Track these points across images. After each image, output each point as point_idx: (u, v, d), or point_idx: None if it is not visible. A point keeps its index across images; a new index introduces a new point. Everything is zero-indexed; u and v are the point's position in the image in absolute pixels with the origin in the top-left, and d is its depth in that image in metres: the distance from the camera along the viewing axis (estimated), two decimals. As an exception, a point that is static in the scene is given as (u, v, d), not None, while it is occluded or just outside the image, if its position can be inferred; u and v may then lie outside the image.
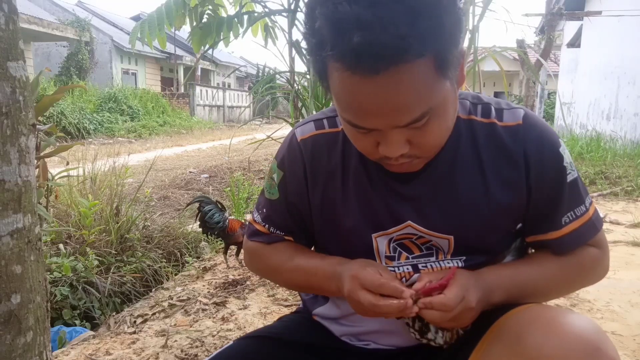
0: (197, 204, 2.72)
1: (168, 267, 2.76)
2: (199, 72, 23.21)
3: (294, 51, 2.33)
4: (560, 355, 0.66)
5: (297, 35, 2.29)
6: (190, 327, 1.94)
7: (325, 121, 0.89)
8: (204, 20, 2.28)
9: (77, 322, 2.16)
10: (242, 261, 2.75)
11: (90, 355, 1.71)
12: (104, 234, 2.68)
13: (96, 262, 2.40)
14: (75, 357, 1.71)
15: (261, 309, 2.11)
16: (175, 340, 1.81)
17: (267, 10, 2.32)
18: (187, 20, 2.28)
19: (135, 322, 2.01)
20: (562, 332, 0.68)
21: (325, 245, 0.94)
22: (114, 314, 2.17)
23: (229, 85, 27.58)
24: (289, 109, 2.50)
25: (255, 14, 2.33)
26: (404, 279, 0.85)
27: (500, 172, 0.79)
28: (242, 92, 25.60)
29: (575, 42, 12.38)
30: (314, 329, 0.97)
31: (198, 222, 2.71)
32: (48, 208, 2.10)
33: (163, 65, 23.41)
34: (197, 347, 1.77)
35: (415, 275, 0.84)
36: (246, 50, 78.10)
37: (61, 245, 2.52)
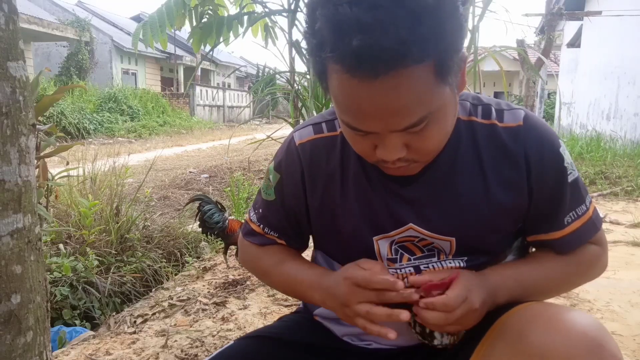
0: (196, 203, 2.72)
1: (168, 267, 2.76)
2: (198, 72, 23.21)
3: (294, 51, 2.33)
4: (563, 352, 0.66)
5: (297, 35, 2.29)
6: (190, 327, 1.94)
7: (323, 125, 0.88)
8: (204, 20, 2.28)
9: (77, 322, 2.16)
10: (242, 261, 2.75)
11: (90, 355, 1.71)
12: (104, 234, 2.68)
13: (96, 262, 2.40)
14: (75, 357, 1.71)
15: (261, 309, 2.11)
16: (175, 340, 1.82)
17: (267, 10, 2.32)
18: (187, 20, 2.28)
19: (135, 322, 2.01)
20: (564, 329, 0.68)
21: (326, 248, 0.94)
22: (114, 314, 2.17)
23: (229, 85, 27.59)
24: (289, 109, 2.50)
25: (255, 14, 2.33)
26: (405, 280, 0.86)
27: (501, 173, 0.79)
28: (242, 92, 25.61)
29: (575, 42, 12.38)
30: (315, 329, 0.97)
31: (198, 222, 2.71)
32: (48, 208, 2.10)
33: (163, 65, 23.41)
34: (197, 347, 1.77)
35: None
36: (246, 50, 78.17)
37: (61, 245, 2.52)
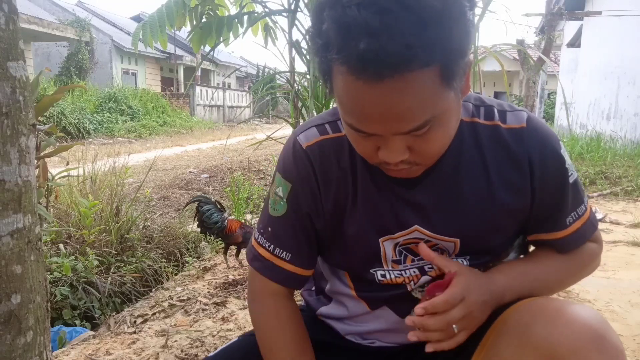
0: (196, 204, 2.72)
1: (168, 267, 2.76)
2: (199, 72, 23.20)
3: (294, 51, 2.33)
4: (568, 343, 0.67)
5: (297, 35, 2.29)
6: (190, 327, 1.94)
7: (327, 126, 0.86)
8: (204, 20, 2.27)
9: (77, 322, 2.16)
10: (242, 261, 2.75)
11: (90, 355, 1.71)
12: (104, 234, 2.68)
13: (96, 262, 2.40)
14: (75, 357, 1.71)
15: (261, 309, 2.11)
16: (175, 340, 1.82)
17: (267, 10, 2.32)
18: (187, 20, 2.28)
19: (135, 322, 2.01)
20: (568, 322, 0.70)
21: (330, 254, 0.93)
22: (114, 314, 2.17)
23: (229, 85, 27.59)
24: (289, 109, 2.50)
25: (255, 14, 2.33)
26: (412, 282, 0.86)
27: (505, 174, 0.80)
28: (242, 92, 25.61)
29: (575, 42, 12.38)
30: (318, 327, 0.98)
31: (197, 222, 2.71)
32: (48, 208, 2.09)
33: (163, 65, 23.42)
34: (197, 347, 1.77)
35: (423, 278, 0.85)
36: (246, 50, 78.16)
37: (61, 245, 2.52)
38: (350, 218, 0.85)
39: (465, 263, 0.84)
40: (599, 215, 3.88)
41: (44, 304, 0.83)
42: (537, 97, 9.82)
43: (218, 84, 26.22)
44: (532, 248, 0.93)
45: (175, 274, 2.68)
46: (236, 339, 0.99)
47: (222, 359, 0.93)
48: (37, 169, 1.71)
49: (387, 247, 0.84)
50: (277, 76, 2.70)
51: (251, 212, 3.99)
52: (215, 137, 13.94)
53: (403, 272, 0.85)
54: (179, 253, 2.99)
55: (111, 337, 1.86)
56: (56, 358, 1.69)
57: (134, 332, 1.90)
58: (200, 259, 2.97)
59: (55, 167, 2.34)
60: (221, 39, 2.25)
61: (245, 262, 2.75)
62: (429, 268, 0.85)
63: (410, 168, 0.73)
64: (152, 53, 20.13)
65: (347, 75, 0.62)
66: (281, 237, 0.88)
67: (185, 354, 1.71)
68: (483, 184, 0.80)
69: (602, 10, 9.13)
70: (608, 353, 0.67)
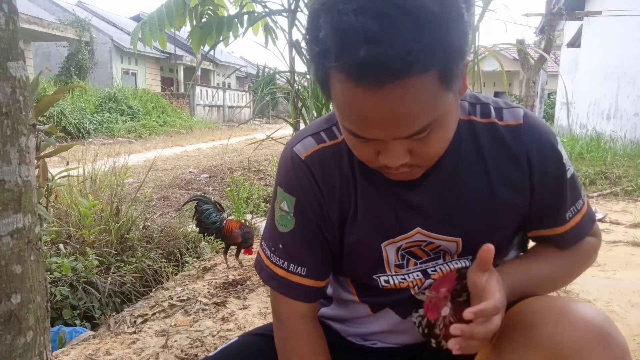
0: (195, 203, 2.72)
1: (168, 267, 2.76)
2: (198, 72, 23.19)
3: (294, 51, 2.33)
4: (573, 341, 0.68)
5: (297, 35, 2.29)
6: (190, 327, 1.94)
7: (323, 134, 0.85)
8: (204, 20, 2.27)
9: (77, 322, 2.16)
10: (242, 261, 2.75)
11: (90, 355, 1.71)
12: (104, 234, 2.68)
13: (96, 262, 2.40)
14: (75, 357, 1.71)
15: (261, 309, 2.11)
16: (175, 340, 1.82)
17: (267, 10, 2.32)
18: (187, 20, 2.28)
19: (135, 322, 2.01)
20: (573, 320, 0.70)
21: (333, 261, 0.92)
22: (114, 314, 2.17)
23: (229, 85, 27.58)
24: (289, 109, 2.49)
25: (255, 14, 2.33)
26: (416, 287, 0.85)
27: (504, 172, 0.80)
28: (242, 92, 25.60)
29: (575, 42, 12.37)
30: None
31: (195, 222, 2.71)
32: (48, 208, 2.09)
33: (163, 65, 23.41)
34: (197, 347, 1.77)
35: (428, 281, 0.85)
36: (246, 50, 78.15)
37: (61, 245, 2.52)
38: (352, 225, 0.84)
39: (467, 264, 0.84)
40: (599, 215, 3.88)
41: (44, 304, 0.83)
42: (537, 97, 9.81)
43: (218, 84, 26.21)
44: (531, 244, 0.94)
45: (175, 274, 2.68)
46: (236, 338, 0.99)
47: (221, 359, 0.93)
48: (37, 169, 1.71)
49: (389, 251, 0.84)
50: (277, 76, 2.70)
51: (251, 212, 3.99)
52: (215, 137, 13.94)
53: (406, 277, 0.85)
54: (179, 253, 2.99)
55: (111, 337, 1.86)
56: (56, 358, 1.69)
57: (134, 332, 1.90)
58: (200, 259, 2.97)
59: (55, 167, 2.34)
60: (221, 39, 2.25)
61: (245, 262, 2.75)
62: (432, 271, 0.84)
63: (411, 171, 0.73)
64: (152, 53, 20.12)
65: (346, 83, 0.61)
66: (294, 252, 0.85)
67: (185, 354, 1.71)
68: (482, 182, 0.80)
69: (602, 10, 9.13)
70: (613, 351, 0.67)
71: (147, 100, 16.53)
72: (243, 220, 3.19)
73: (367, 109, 0.62)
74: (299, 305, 0.87)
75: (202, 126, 17.75)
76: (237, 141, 11.34)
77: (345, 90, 0.62)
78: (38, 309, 0.81)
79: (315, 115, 2.28)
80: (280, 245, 0.86)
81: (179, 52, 22.04)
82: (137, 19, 23.42)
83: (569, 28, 12.84)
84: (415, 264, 0.85)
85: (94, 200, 2.70)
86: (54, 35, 15.07)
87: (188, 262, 2.84)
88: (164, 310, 2.11)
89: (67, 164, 2.14)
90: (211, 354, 0.94)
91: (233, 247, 2.72)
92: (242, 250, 2.72)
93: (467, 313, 0.68)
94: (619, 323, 1.97)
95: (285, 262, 0.86)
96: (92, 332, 2.00)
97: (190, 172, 6.78)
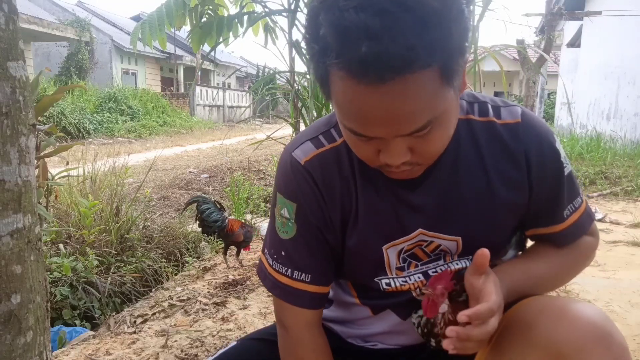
0: (195, 205, 2.72)
1: (168, 267, 2.76)
2: (198, 73, 23.19)
3: (294, 51, 2.33)
4: (573, 341, 0.68)
5: (297, 35, 2.28)
6: (190, 327, 1.94)
7: (321, 137, 0.84)
8: (204, 19, 2.27)
9: (77, 322, 2.16)
10: (242, 261, 2.75)
11: (90, 355, 1.71)
12: (104, 234, 2.68)
13: (96, 262, 2.40)
14: (75, 357, 1.71)
15: (261, 309, 2.11)
16: (175, 340, 1.81)
17: (267, 10, 2.32)
18: (187, 20, 2.28)
19: (135, 322, 2.01)
20: (573, 319, 0.70)
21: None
22: (114, 314, 2.17)
23: (229, 85, 27.58)
24: (289, 109, 2.49)
25: (255, 14, 2.33)
26: (417, 289, 0.85)
27: (502, 170, 0.80)
28: (242, 92, 25.60)
29: (575, 42, 12.37)
30: None
31: (197, 222, 2.71)
32: (48, 208, 2.09)
33: (163, 65, 23.41)
34: (197, 347, 1.77)
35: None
36: (246, 50, 78.11)
37: (61, 245, 2.52)
38: (353, 228, 0.83)
39: (467, 264, 0.84)
40: (599, 215, 3.88)
41: (44, 304, 0.83)
42: (537, 97, 9.81)
43: (218, 84, 26.20)
44: (529, 243, 0.93)
45: (175, 274, 2.68)
46: (234, 343, 0.98)
47: None
48: (37, 169, 1.71)
49: (390, 254, 0.84)
50: (277, 76, 2.69)
51: (251, 212, 3.99)
52: (215, 137, 13.93)
53: (408, 279, 0.85)
54: (179, 253, 2.99)
55: (111, 337, 1.86)
56: (56, 358, 1.69)
57: (134, 332, 1.90)
58: (200, 259, 2.97)
59: (55, 167, 2.34)
60: (221, 39, 2.25)
61: (245, 262, 2.75)
62: (432, 272, 0.84)
63: (412, 169, 0.73)
64: (152, 53, 20.12)
65: (347, 80, 0.61)
66: (297, 259, 0.84)
67: (185, 354, 1.71)
68: (481, 181, 0.80)
69: (602, 10, 9.13)
70: (613, 350, 0.67)
71: (147, 100, 16.52)
72: (243, 220, 3.19)
73: (368, 107, 0.62)
74: (305, 313, 0.86)
75: (202, 126, 17.75)
76: (237, 141, 11.35)
77: (346, 88, 0.62)
78: (38, 309, 0.81)
79: (315, 115, 2.28)
80: (283, 253, 0.85)
81: (179, 52, 22.04)
82: (137, 19, 23.41)
83: (569, 28, 12.84)
84: (416, 266, 0.85)
85: (94, 200, 2.70)
86: (54, 35, 15.06)
87: (188, 262, 2.84)
88: (164, 310, 2.11)
89: (67, 163, 2.14)
90: (210, 358, 0.94)
91: (233, 247, 2.73)
92: (242, 250, 2.73)
93: (461, 316, 0.69)
94: (619, 323, 1.97)
95: (289, 270, 0.85)
96: (92, 332, 2.00)
97: (190, 172, 6.78)
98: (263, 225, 3.38)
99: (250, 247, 2.75)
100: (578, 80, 11.35)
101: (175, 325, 1.95)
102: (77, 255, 2.44)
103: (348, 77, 0.60)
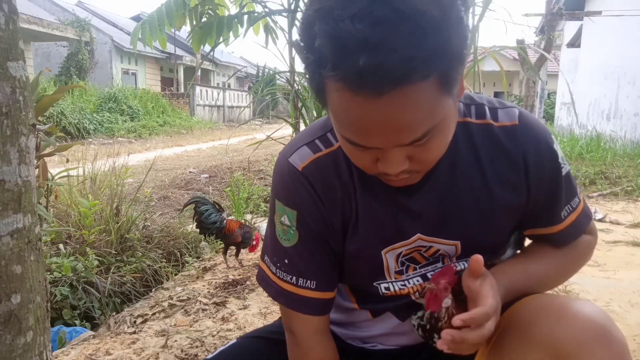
0: (194, 205, 2.72)
1: (168, 267, 2.76)
2: (199, 73, 23.19)
3: (294, 51, 2.33)
4: (573, 340, 0.68)
5: (297, 35, 2.28)
6: (190, 327, 1.94)
7: (318, 142, 0.82)
8: (204, 19, 2.27)
9: (77, 322, 2.16)
10: (242, 261, 2.75)
11: (90, 355, 1.71)
12: (104, 234, 2.67)
13: (96, 262, 2.40)
14: (75, 357, 1.71)
15: (261, 309, 2.11)
16: (175, 340, 1.81)
17: (267, 10, 2.32)
18: (187, 20, 2.28)
19: (135, 322, 2.01)
20: (573, 317, 0.70)
21: None
22: (114, 314, 2.17)
23: (229, 85, 27.58)
24: (289, 109, 2.49)
25: (255, 14, 2.33)
26: (417, 293, 0.85)
27: (500, 172, 0.80)
28: (242, 92, 25.60)
29: (575, 42, 12.37)
30: None
31: (195, 223, 2.71)
32: (48, 208, 2.09)
33: (163, 65, 23.41)
34: (197, 347, 1.77)
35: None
36: (246, 50, 78.13)
37: (61, 245, 2.52)
38: (353, 233, 0.83)
39: (466, 266, 0.84)
40: (599, 215, 3.88)
41: (44, 304, 0.83)
42: (537, 97, 9.81)
43: (218, 84, 26.21)
44: (527, 242, 0.94)
45: (175, 274, 2.68)
46: (234, 341, 0.99)
47: None
48: (37, 169, 1.71)
49: (389, 258, 0.83)
50: (277, 76, 2.69)
51: (251, 212, 3.99)
52: (215, 137, 13.93)
53: (406, 283, 0.85)
54: (179, 253, 2.99)
55: (111, 337, 1.86)
56: (56, 358, 1.69)
57: (134, 332, 1.90)
58: (200, 259, 2.97)
59: (55, 167, 2.34)
60: (221, 39, 2.25)
61: (245, 262, 2.75)
62: (431, 275, 0.84)
63: (410, 176, 0.72)
64: (152, 53, 20.12)
65: (344, 92, 0.59)
66: (301, 266, 0.83)
67: (185, 354, 1.71)
68: (480, 184, 0.80)
69: (602, 10, 9.13)
70: (613, 348, 0.67)
71: (147, 100, 16.53)
72: (243, 220, 3.19)
73: (366, 118, 0.61)
74: (313, 320, 0.85)
75: (202, 126, 17.75)
76: (237, 141, 11.35)
77: (343, 100, 0.60)
78: (38, 309, 0.81)
79: (315, 115, 2.28)
80: (286, 260, 0.84)
81: (179, 52, 22.04)
82: (137, 19, 23.42)
83: (569, 28, 12.84)
84: (415, 269, 0.84)
85: (93, 200, 2.70)
86: (54, 35, 15.07)
87: (188, 262, 2.84)
88: (164, 310, 2.11)
89: (67, 161, 2.14)
90: (209, 356, 0.94)
91: (232, 247, 2.73)
92: (247, 249, 2.73)
93: (456, 320, 0.69)
94: (619, 323, 1.96)
95: (294, 277, 0.84)
96: (92, 332, 1.99)
97: (190, 172, 6.78)
98: (263, 225, 3.38)
99: (256, 248, 2.74)
100: (578, 80, 11.35)
101: (175, 325, 1.95)
102: (77, 255, 2.44)
103: (345, 89, 0.59)
